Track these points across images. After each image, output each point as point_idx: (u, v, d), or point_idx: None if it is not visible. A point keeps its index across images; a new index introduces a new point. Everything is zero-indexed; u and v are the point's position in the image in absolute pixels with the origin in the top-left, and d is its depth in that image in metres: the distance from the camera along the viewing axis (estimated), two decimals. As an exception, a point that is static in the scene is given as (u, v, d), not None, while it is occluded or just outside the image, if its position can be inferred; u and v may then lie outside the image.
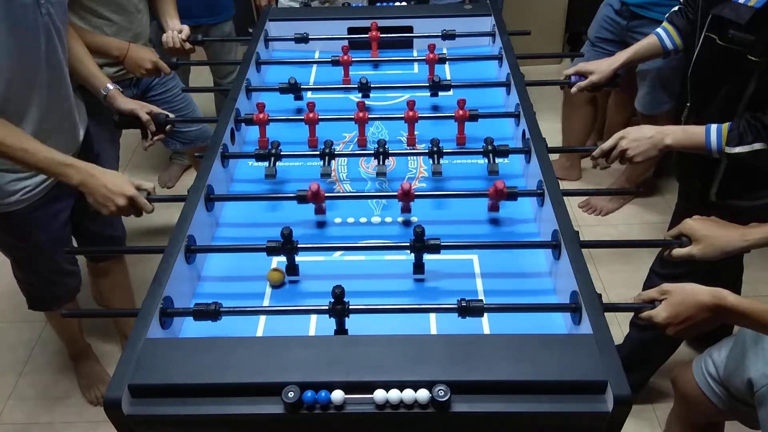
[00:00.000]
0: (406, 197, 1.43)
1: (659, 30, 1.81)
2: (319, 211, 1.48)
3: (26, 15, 1.47)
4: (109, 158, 2.23)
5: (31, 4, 1.48)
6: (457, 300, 1.17)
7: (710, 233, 1.31)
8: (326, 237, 1.45)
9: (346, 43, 2.04)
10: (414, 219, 1.50)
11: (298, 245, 1.29)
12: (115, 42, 2.02)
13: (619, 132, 1.58)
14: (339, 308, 1.16)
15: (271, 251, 1.30)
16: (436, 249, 1.29)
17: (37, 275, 1.95)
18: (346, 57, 1.92)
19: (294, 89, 1.83)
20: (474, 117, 1.68)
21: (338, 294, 1.14)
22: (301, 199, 1.43)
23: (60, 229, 1.85)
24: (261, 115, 1.68)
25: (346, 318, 1.17)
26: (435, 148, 1.56)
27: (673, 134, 1.54)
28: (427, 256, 1.38)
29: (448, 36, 2.04)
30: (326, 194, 1.45)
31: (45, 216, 1.78)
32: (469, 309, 1.16)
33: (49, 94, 1.63)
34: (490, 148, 1.57)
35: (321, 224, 1.49)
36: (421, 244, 1.29)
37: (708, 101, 1.62)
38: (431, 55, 1.91)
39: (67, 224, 1.88)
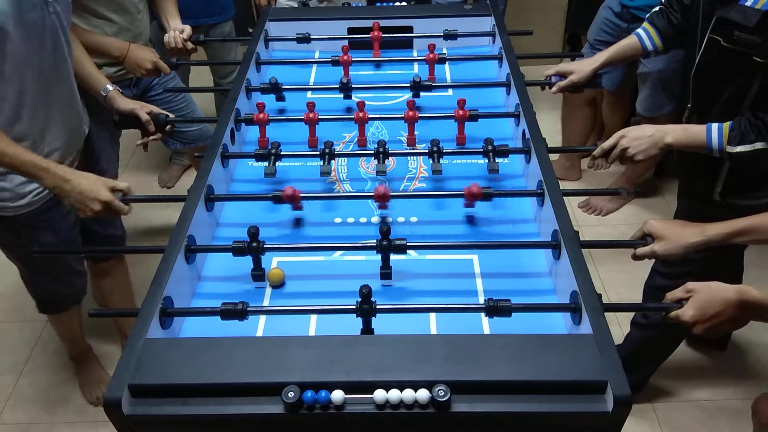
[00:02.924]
0: (382, 199, 1.44)
1: (639, 31, 1.81)
2: (296, 207, 1.50)
3: (35, 13, 1.48)
4: (109, 158, 2.23)
5: (40, 2, 1.49)
6: (485, 300, 1.17)
7: (670, 231, 1.33)
8: (326, 237, 1.45)
9: (346, 43, 2.04)
10: (414, 219, 1.50)
11: (264, 245, 1.30)
12: (115, 42, 2.02)
13: (619, 131, 1.58)
14: (366, 308, 1.16)
15: (237, 252, 1.30)
16: (402, 250, 1.29)
17: (47, 277, 1.96)
18: (345, 57, 1.92)
19: (275, 89, 1.83)
20: (474, 117, 1.68)
21: (366, 294, 1.14)
22: (277, 199, 1.44)
23: (69, 230, 1.85)
24: (261, 115, 1.68)
25: (373, 317, 1.18)
26: (435, 148, 1.56)
27: (674, 133, 1.54)
28: (428, 256, 1.39)
29: (450, 36, 2.04)
30: (323, 195, 1.45)
31: (55, 217, 1.78)
32: (498, 309, 1.16)
33: (56, 92, 1.63)
34: (490, 148, 1.57)
35: (321, 224, 1.49)
36: (387, 244, 1.28)
37: (710, 102, 1.62)
38: (431, 55, 1.91)
39: (76, 224, 1.88)
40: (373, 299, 1.16)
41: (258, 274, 1.33)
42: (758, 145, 1.47)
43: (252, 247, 1.30)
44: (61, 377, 2.37)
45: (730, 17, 1.46)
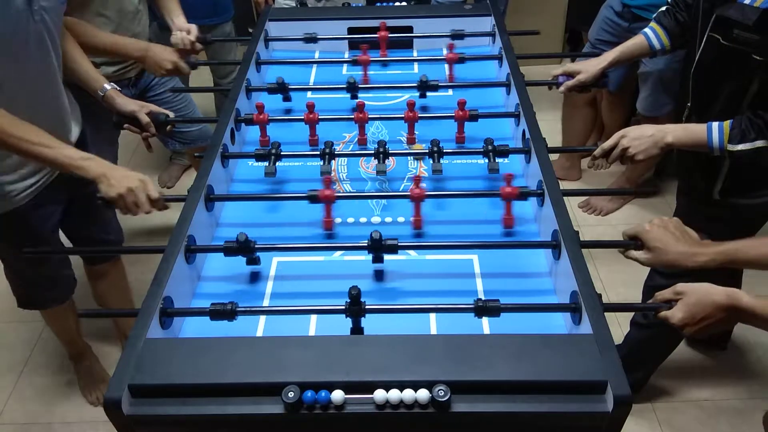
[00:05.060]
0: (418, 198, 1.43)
1: (647, 30, 1.81)
2: (328, 225, 1.47)
3: (19, 20, 1.46)
4: (107, 160, 2.21)
5: (24, 10, 1.46)
6: (474, 300, 1.17)
7: (661, 245, 1.29)
8: (326, 237, 1.45)
9: (362, 42, 2.03)
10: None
11: (256, 245, 1.31)
12: (134, 42, 1.99)
13: (619, 131, 1.58)
14: (355, 309, 1.16)
15: (229, 252, 1.30)
16: (393, 250, 1.29)
17: (25, 279, 1.94)
18: (365, 56, 1.91)
19: (282, 89, 1.82)
20: (474, 117, 1.68)
21: (355, 295, 1.15)
22: (313, 199, 1.43)
23: (47, 236, 1.81)
24: (261, 116, 1.68)
25: (363, 317, 1.18)
26: (435, 148, 1.56)
27: (674, 132, 1.54)
28: (428, 256, 1.39)
29: (457, 36, 2.04)
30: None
31: (33, 221, 1.75)
32: (486, 309, 1.16)
33: (39, 99, 1.60)
34: (490, 148, 1.57)
35: (321, 224, 1.49)
36: (379, 245, 1.29)
37: (710, 101, 1.62)
38: (450, 54, 1.90)
39: (54, 232, 1.85)
40: (362, 299, 1.16)
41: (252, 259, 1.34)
42: (759, 143, 1.47)
43: (244, 248, 1.30)
44: (60, 377, 2.37)
45: (729, 15, 1.46)
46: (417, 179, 1.45)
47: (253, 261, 1.35)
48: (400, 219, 1.50)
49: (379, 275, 1.35)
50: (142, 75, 2.25)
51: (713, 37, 1.54)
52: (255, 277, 1.36)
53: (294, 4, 2.63)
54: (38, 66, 1.56)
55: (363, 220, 1.51)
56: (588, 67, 1.82)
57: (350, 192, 1.59)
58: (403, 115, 1.68)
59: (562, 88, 1.87)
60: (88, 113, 1.92)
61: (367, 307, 1.16)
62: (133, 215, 1.49)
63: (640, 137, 1.54)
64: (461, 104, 1.66)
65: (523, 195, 1.43)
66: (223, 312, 1.18)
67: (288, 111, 1.88)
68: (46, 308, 2.08)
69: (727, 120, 1.50)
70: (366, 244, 1.30)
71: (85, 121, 1.89)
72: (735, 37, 1.47)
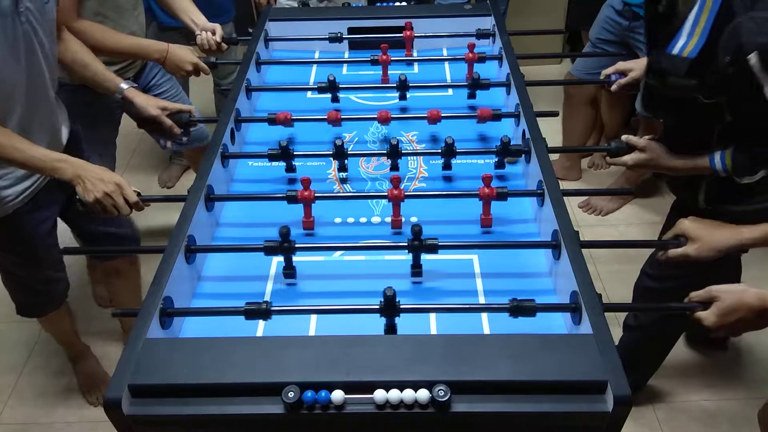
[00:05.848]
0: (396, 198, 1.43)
1: None
2: (308, 225, 1.46)
3: (5, 24, 1.44)
4: (105, 161, 2.21)
5: (11, 12, 1.45)
6: (509, 299, 1.17)
7: (704, 233, 1.32)
8: (326, 237, 1.46)
9: (345, 43, 2.03)
10: (413, 219, 1.50)
11: (296, 245, 1.29)
12: (153, 44, 1.98)
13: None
14: (390, 309, 1.16)
15: (269, 251, 1.30)
16: (433, 249, 1.29)
17: (21, 284, 1.93)
18: (385, 57, 1.91)
19: (332, 87, 1.79)
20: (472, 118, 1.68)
21: (390, 296, 1.14)
22: (291, 199, 1.43)
23: (44, 239, 1.80)
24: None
25: (397, 317, 1.18)
26: (446, 148, 1.54)
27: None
28: (426, 256, 1.38)
29: (482, 35, 2.06)
30: (323, 195, 1.44)
31: (28, 225, 1.74)
32: (522, 309, 1.16)
33: (28, 102, 1.58)
34: (498, 147, 1.55)
35: (321, 224, 1.49)
36: (419, 243, 1.28)
37: (679, 127, 1.59)
38: (470, 55, 1.91)
39: (51, 233, 1.83)
40: (380, 300, 1.16)
41: (289, 272, 1.34)
42: (761, 174, 1.45)
43: (284, 246, 1.29)
44: (60, 377, 2.37)
45: (661, 65, 1.41)
46: (395, 180, 1.44)
47: (290, 273, 1.34)
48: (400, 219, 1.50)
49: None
50: (141, 74, 2.25)
51: (651, 84, 1.48)
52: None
53: (295, 5, 2.63)
54: (28, 68, 1.55)
55: (363, 220, 1.51)
56: (640, 65, 1.79)
57: (350, 192, 1.59)
58: (405, 115, 1.68)
59: (614, 87, 1.85)
60: (86, 113, 1.90)
61: (402, 306, 1.16)
62: (112, 216, 1.50)
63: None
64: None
65: (502, 195, 1.42)
66: (258, 311, 1.17)
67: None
68: (43, 315, 2.06)
69: (701, 141, 1.48)
70: (406, 244, 1.30)
71: (82, 121, 1.88)
72: (672, 85, 1.41)
